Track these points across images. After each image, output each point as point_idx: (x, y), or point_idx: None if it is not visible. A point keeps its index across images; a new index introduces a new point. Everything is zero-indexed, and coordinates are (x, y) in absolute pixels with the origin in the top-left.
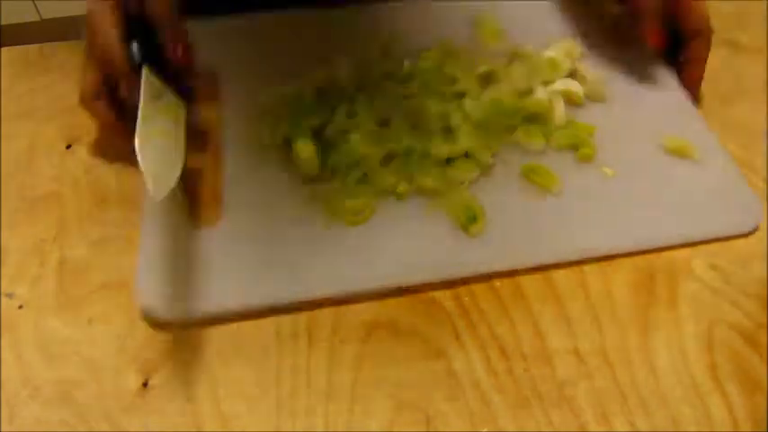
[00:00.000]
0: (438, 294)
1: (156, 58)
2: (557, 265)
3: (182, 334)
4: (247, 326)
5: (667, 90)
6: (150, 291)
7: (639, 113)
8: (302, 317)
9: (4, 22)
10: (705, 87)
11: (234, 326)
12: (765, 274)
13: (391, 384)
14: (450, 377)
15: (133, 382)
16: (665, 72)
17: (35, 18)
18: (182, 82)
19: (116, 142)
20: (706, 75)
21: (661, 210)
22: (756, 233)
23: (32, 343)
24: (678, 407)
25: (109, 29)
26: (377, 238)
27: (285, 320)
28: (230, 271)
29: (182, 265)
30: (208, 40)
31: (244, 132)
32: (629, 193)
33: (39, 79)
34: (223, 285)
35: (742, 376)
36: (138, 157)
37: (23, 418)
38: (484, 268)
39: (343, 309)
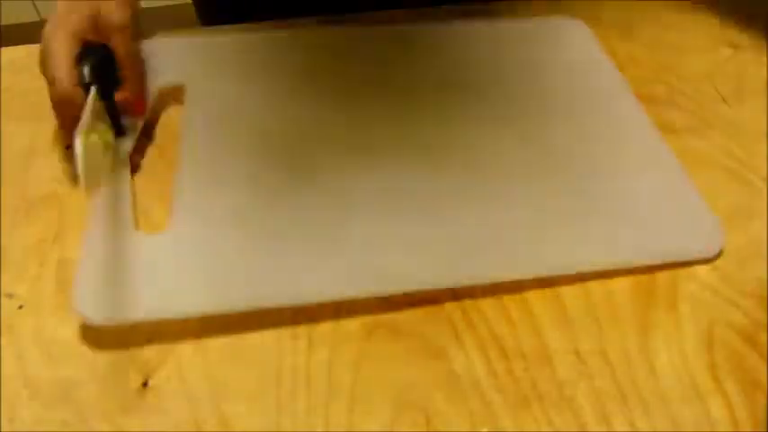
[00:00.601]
0: (438, 294)
1: (104, 79)
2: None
3: (181, 333)
4: (247, 326)
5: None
6: (87, 295)
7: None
8: (302, 317)
9: (4, 22)
10: (705, 87)
11: (234, 326)
12: (765, 274)
13: (391, 384)
14: (450, 377)
15: (133, 382)
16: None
17: (35, 18)
18: (118, 120)
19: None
20: (707, 74)
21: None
22: (757, 234)
23: (32, 343)
24: (678, 407)
25: (62, 58)
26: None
27: (285, 320)
28: (171, 278)
29: (121, 271)
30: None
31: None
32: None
33: (39, 79)
34: (161, 292)
35: (742, 376)
36: (77, 151)
37: (23, 418)
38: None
39: (343, 309)
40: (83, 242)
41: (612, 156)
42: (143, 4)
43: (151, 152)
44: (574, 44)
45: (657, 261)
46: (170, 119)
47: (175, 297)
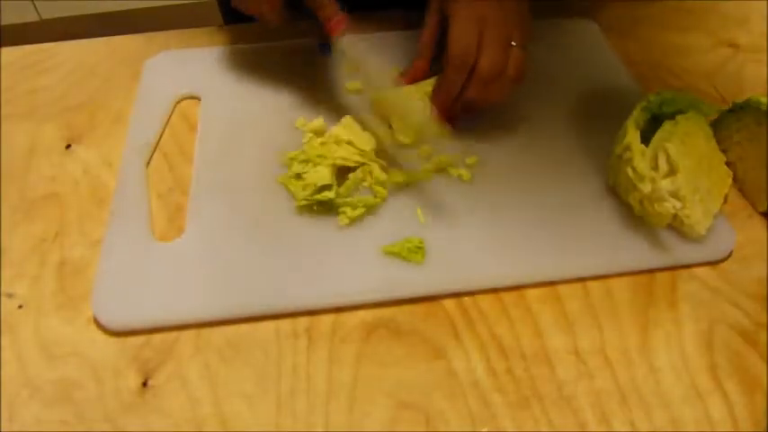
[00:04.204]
0: (438, 294)
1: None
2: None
3: (180, 332)
4: (247, 326)
5: None
6: (105, 301)
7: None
8: (302, 316)
9: (4, 22)
10: (706, 87)
11: (234, 326)
12: (765, 274)
13: (391, 384)
14: (451, 377)
15: (133, 382)
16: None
17: (35, 18)
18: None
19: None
20: (707, 74)
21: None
22: (757, 234)
23: (32, 343)
24: (678, 407)
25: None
26: (323, 263)
27: (285, 320)
28: (187, 285)
29: (138, 277)
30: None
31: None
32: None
33: (39, 79)
34: (175, 298)
35: (742, 376)
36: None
37: (23, 418)
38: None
39: (343, 309)
40: (101, 250)
41: None
42: (146, 5)
43: (169, 146)
44: (586, 45)
45: (669, 264)
46: (187, 113)
47: (191, 303)
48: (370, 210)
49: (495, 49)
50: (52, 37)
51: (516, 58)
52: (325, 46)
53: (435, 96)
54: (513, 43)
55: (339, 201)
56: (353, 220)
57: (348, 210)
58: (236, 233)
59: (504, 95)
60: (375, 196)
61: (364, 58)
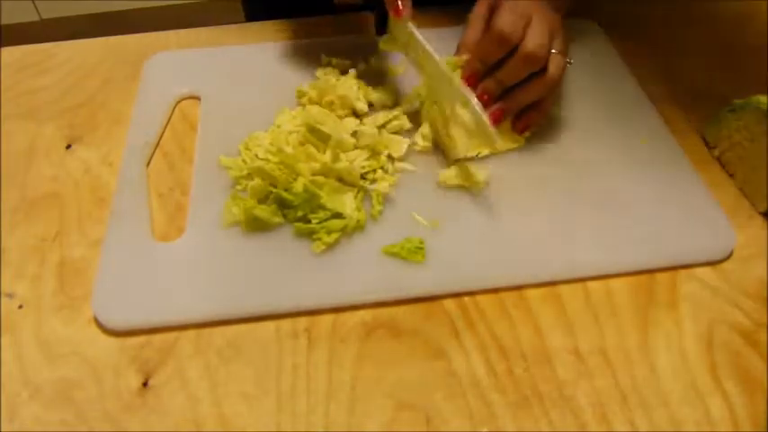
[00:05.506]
0: (438, 294)
1: None
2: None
3: (181, 334)
4: (247, 326)
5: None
6: (105, 301)
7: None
8: (302, 317)
9: (4, 22)
10: (706, 87)
11: (234, 326)
12: (765, 274)
13: (391, 384)
14: (451, 377)
15: (133, 382)
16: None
17: (35, 18)
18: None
19: None
20: (706, 73)
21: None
22: (757, 234)
23: (32, 343)
24: (678, 407)
25: None
26: (328, 263)
27: (285, 320)
28: (187, 285)
29: (138, 277)
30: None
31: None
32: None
33: (39, 79)
34: (175, 298)
35: (742, 376)
36: None
37: (23, 418)
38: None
39: (343, 309)
40: (101, 250)
41: (627, 161)
42: (146, 5)
43: (169, 146)
44: (589, 46)
45: (669, 264)
46: (187, 113)
47: (191, 303)
48: (348, 231)
49: (541, 36)
50: (52, 37)
51: (557, 60)
52: (383, 27)
53: (468, 67)
54: (553, 51)
55: (315, 226)
56: (330, 246)
57: (323, 236)
58: (236, 233)
59: (539, 95)
60: (343, 217)
61: (416, 44)
